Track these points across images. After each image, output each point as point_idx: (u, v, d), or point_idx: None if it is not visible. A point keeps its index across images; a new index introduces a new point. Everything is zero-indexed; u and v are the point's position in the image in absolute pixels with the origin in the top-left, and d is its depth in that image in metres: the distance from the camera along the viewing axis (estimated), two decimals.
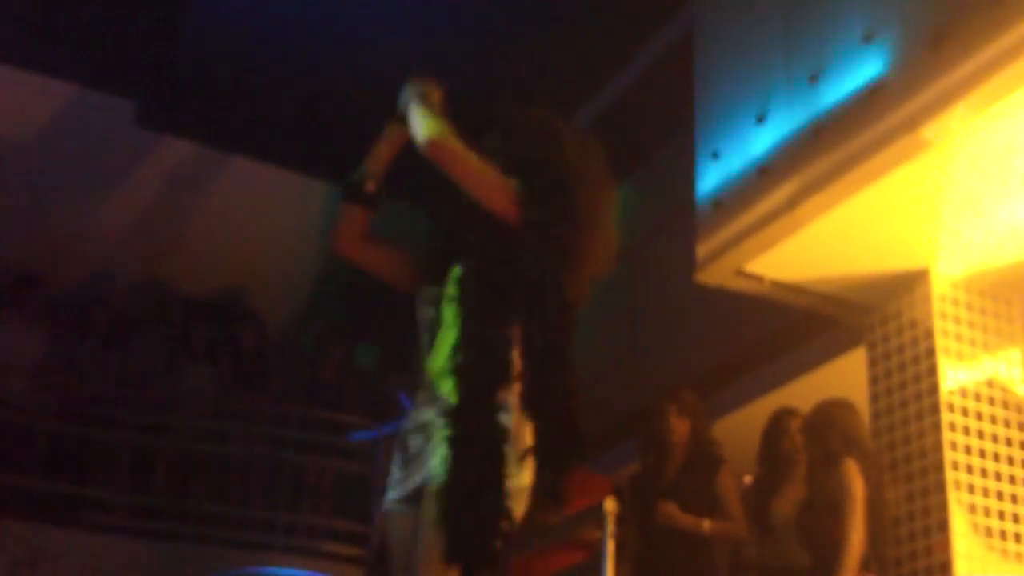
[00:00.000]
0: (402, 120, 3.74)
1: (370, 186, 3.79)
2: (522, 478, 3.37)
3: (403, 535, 3.51)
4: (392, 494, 3.56)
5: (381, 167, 3.83)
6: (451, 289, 3.58)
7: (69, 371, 10.47)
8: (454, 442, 3.30)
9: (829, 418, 6.60)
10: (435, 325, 3.61)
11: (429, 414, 3.50)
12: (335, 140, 10.31)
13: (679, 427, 7.01)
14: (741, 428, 7.30)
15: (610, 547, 6.01)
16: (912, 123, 5.91)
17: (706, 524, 6.75)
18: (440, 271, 3.70)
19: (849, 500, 6.32)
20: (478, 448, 3.30)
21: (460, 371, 3.39)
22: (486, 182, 3.52)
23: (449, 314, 3.55)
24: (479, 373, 3.36)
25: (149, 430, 10.32)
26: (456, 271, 3.59)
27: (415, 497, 3.45)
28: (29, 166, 11.26)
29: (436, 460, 3.37)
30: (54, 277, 11.27)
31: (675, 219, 8.93)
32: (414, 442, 3.51)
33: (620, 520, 7.27)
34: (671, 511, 6.78)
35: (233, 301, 12.40)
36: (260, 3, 9.54)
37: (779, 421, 7.11)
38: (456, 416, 3.34)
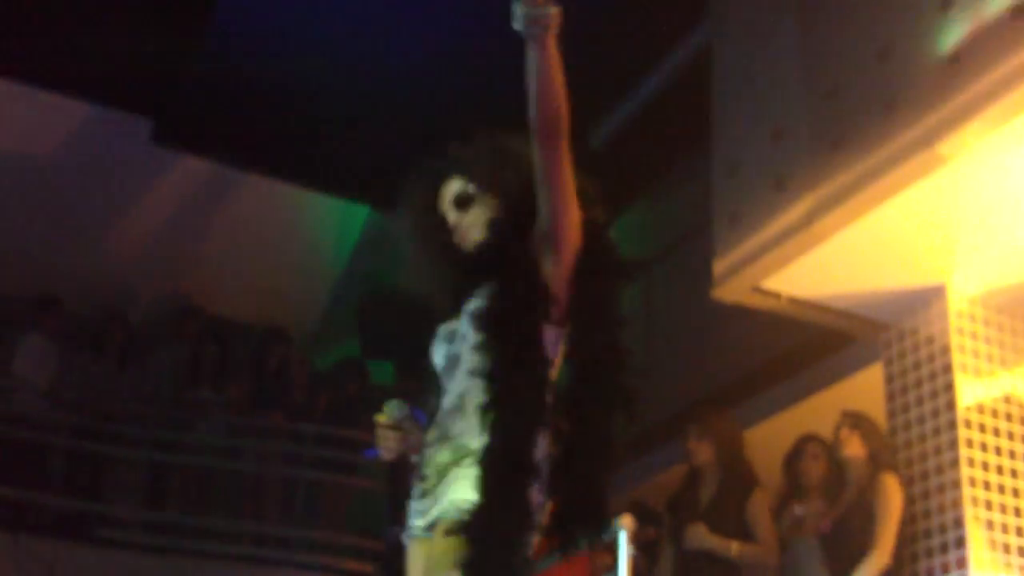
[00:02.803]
0: None
1: None
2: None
3: (417, 554, 3.49)
4: (414, 521, 3.51)
5: None
6: (463, 327, 3.54)
7: (85, 388, 10.49)
8: (484, 481, 3.25)
9: (875, 427, 6.65)
10: (450, 363, 3.57)
11: (443, 454, 3.43)
12: (351, 159, 10.38)
13: (700, 450, 7.02)
14: (757, 445, 7.28)
15: (629, 565, 6.02)
16: (929, 139, 5.91)
17: (735, 547, 6.73)
18: (455, 305, 3.65)
19: (887, 514, 6.36)
20: (508, 489, 3.23)
21: (491, 411, 3.33)
22: (571, 191, 3.40)
23: (464, 352, 3.50)
24: (512, 416, 3.30)
25: (164, 447, 10.33)
26: (470, 306, 3.55)
27: (429, 528, 3.43)
28: (46, 184, 11.30)
29: (453, 496, 3.33)
30: (71, 295, 11.28)
31: (690, 236, 8.94)
32: (430, 476, 3.46)
33: (652, 543, 7.32)
34: (700, 533, 6.77)
35: (255, 319, 12.42)
36: (277, 22, 9.55)
37: (803, 445, 7.08)
38: (488, 453, 3.27)
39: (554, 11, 3.19)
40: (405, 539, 3.54)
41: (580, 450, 3.38)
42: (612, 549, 6.07)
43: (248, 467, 10.46)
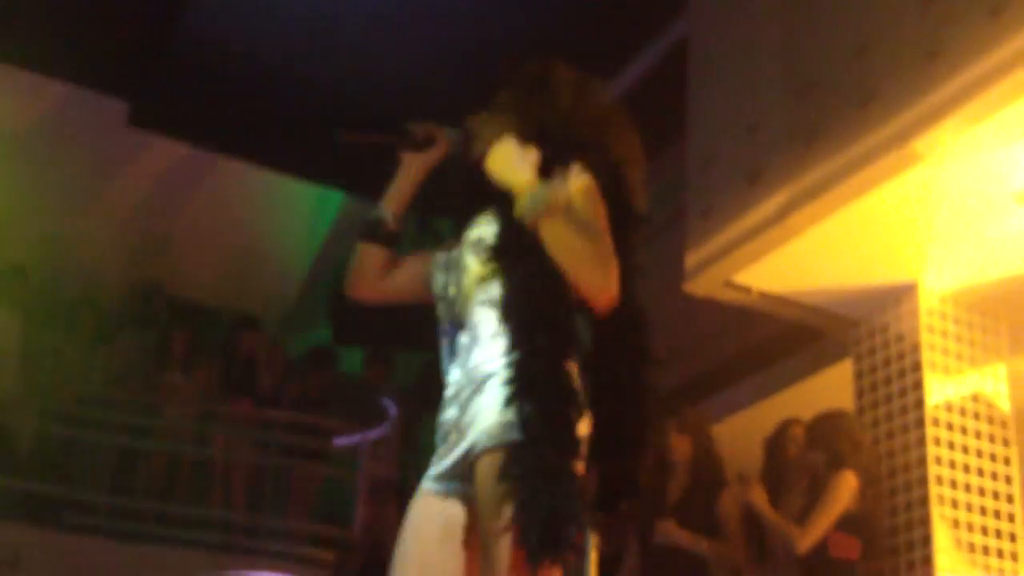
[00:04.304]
0: (422, 146, 3.54)
1: (392, 224, 3.56)
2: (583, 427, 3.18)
3: (432, 515, 3.33)
4: (430, 471, 3.36)
5: (404, 204, 3.58)
6: (466, 258, 3.41)
7: (54, 371, 10.43)
8: (522, 399, 3.09)
9: (836, 426, 6.60)
10: (453, 296, 3.43)
11: (464, 388, 3.30)
12: (328, 144, 10.33)
13: (680, 445, 6.98)
14: (726, 439, 7.28)
15: (593, 558, 5.99)
16: (904, 136, 5.92)
17: (704, 544, 6.71)
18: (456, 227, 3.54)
19: (823, 507, 6.33)
20: (551, 405, 3.08)
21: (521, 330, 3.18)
22: (589, 264, 3.19)
23: (469, 283, 3.38)
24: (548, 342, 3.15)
25: (132, 432, 10.28)
26: (472, 235, 3.43)
27: (457, 472, 3.28)
28: (21, 165, 11.23)
29: (483, 424, 3.17)
30: (43, 276, 11.22)
31: (663, 229, 8.93)
32: (449, 415, 3.33)
33: (617, 534, 7.30)
34: (669, 529, 6.76)
35: (226, 304, 12.38)
36: (255, 5, 9.52)
37: (785, 429, 7.06)
38: (518, 367, 3.13)
39: (556, 197, 3.19)
40: (419, 491, 3.38)
41: (613, 416, 3.30)
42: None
43: (217, 454, 10.42)
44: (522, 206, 3.20)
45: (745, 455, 7.20)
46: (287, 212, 12.34)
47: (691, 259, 7.23)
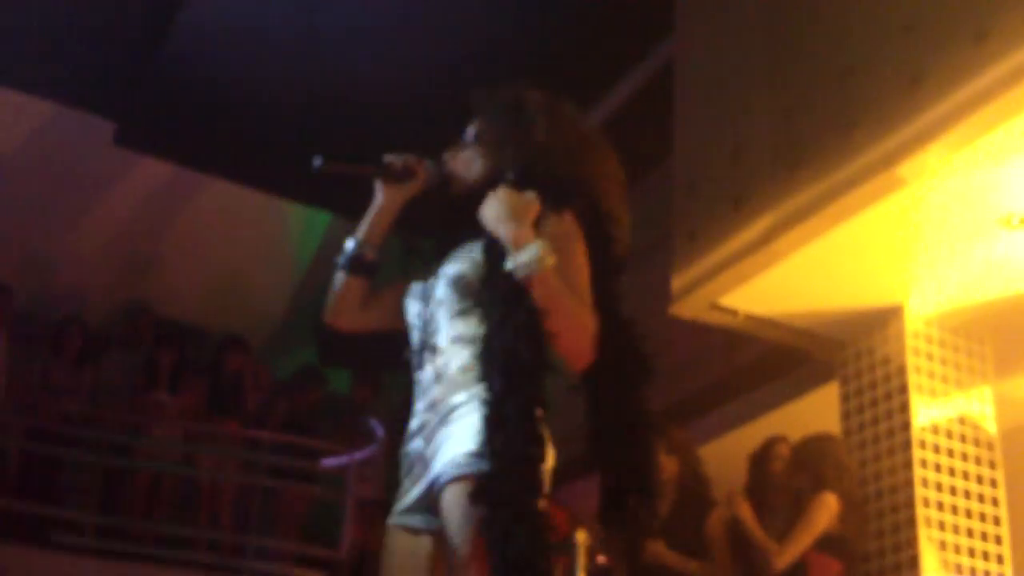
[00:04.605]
0: (400, 179, 3.53)
1: (369, 255, 3.57)
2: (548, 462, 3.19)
3: (405, 551, 3.36)
4: (397, 506, 3.39)
5: (381, 235, 3.59)
6: (440, 291, 3.40)
7: (40, 390, 10.42)
8: (488, 438, 3.09)
9: (822, 449, 6.61)
10: (427, 328, 3.42)
11: (427, 416, 3.32)
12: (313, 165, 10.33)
13: (667, 465, 6.96)
14: (712, 461, 7.27)
15: None
16: (889, 160, 5.93)
17: (692, 566, 6.70)
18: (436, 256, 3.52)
19: (802, 527, 6.34)
20: (515, 444, 3.08)
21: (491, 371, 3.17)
22: (573, 324, 3.20)
23: (442, 318, 3.37)
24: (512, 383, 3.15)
25: (119, 451, 10.27)
26: (448, 269, 3.41)
27: (424, 504, 3.30)
28: (5, 183, 11.21)
29: (448, 454, 3.18)
30: (28, 295, 11.21)
31: (648, 250, 8.93)
32: (414, 447, 3.36)
33: (604, 554, 7.28)
34: (658, 550, 6.75)
35: (212, 324, 12.36)
36: (240, 25, 9.53)
37: (770, 446, 7.06)
38: (492, 404, 3.13)
39: (544, 261, 3.16)
40: (389, 526, 3.40)
41: (615, 419, 3.32)
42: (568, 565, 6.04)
43: (203, 473, 10.41)
44: (516, 260, 3.18)
45: (731, 477, 7.19)
46: (273, 232, 12.34)
47: (677, 282, 7.23)
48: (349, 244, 3.58)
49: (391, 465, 10.36)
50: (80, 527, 9.82)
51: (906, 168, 5.90)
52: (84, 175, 11.49)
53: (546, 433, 3.18)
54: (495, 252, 3.28)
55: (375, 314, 3.63)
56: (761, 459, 7.06)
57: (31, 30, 9.91)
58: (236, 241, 12.30)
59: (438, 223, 3.61)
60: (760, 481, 7.01)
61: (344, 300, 3.60)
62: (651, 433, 3.39)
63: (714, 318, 7.34)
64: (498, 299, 3.23)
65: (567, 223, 3.33)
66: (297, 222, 12.18)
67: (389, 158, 3.56)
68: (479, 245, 3.36)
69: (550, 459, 3.19)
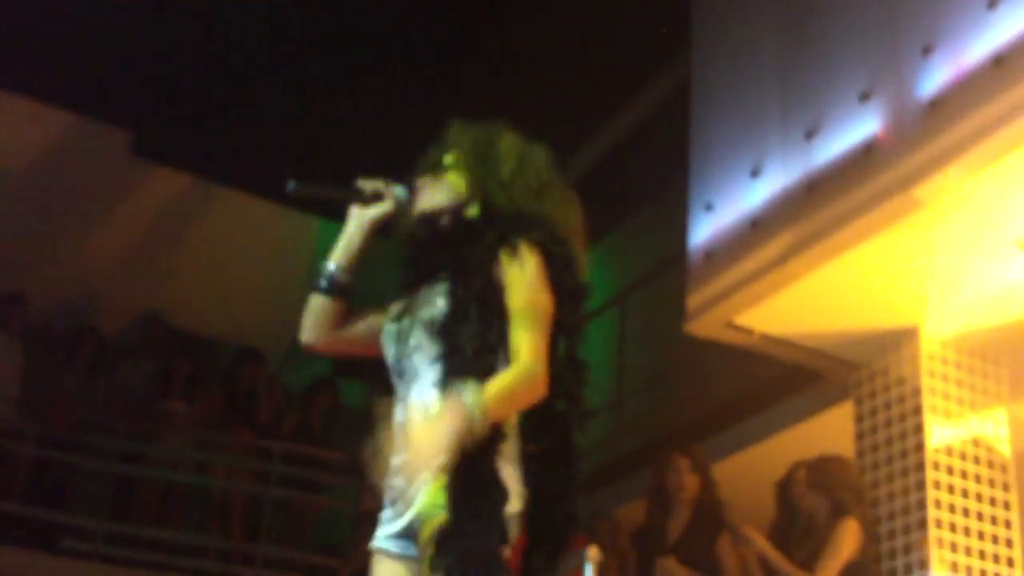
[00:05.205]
0: (371, 202, 3.61)
1: (341, 278, 3.64)
2: (513, 506, 3.29)
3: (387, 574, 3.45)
4: (381, 532, 3.48)
5: (354, 257, 3.65)
6: (417, 336, 3.47)
7: (54, 398, 10.45)
8: (451, 492, 3.23)
9: (838, 472, 6.59)
10: (405, 371, 3.51)
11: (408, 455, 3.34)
12: (329, 176, 10.37)
13: (690, 483, 6.98)
14: (725, 481, 7.27)
15: None
16: (906, 183, 5.95)
17: None
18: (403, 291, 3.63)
19: (830, 554, 6.32)
20: (477, 496, 3.23)
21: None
22: (527, 400, 3.34)
23: (420, 362, 3.46)
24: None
25: (131, 459, 10.30)
26: (423, 313, 3.50)
27: (407, 534, 3.39)
28: (23, 193, 11.25)
29: (425, 500, 3.29)
30: (44, 303, 11.23)
31: (664, 268, 8.95)
32: (397, 483, 3.42)
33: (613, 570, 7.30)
34: (670, 566, 6.75)
35: (226, 334, 12.38)
36: (257, 37, 9.57)
37: (793, 473, 7.03)
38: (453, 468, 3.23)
39: (476, 413, 3.22)
40: (375, 550, 3.49)
41: (545, 471, 3.41)
42: None
43: (215, 482, 10.43)
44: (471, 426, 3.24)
45: (744, 496, 7.20)
46: (288, 243, 12.35)
47: (693, 300, 7.25)
48: (329, 266, 3.65)
49: None
50: (90, 534, 9.83)
51: (923, 190, 5.92)
52: (100, 185, 11.52)
53: (511, 479, 3.30)
54: (460, 288, 3.41)
55: (348, 337, 3.70)
56: (785, 486, 7.04)
57: (48, 40, 9.95)
58: (251, 252, 12.32)
59: (406, 255, 3.69)
60: (786, 509, 6.99)
61: (318, 321, 3.67)
62: (577, 477, 3.48)
63: (729, 337, 7.35)
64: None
65: (527, 254, 3.43)
66: (312, 233, 12.19)
67: (360, 182, 3.64)
68: (443, 287, 3.47)
69: (515, 505, 3.28)
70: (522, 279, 3.39)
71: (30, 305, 10.69)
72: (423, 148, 3.72)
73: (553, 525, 3.42)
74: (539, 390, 3.32)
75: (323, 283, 3.64)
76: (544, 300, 3.41)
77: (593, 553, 6.02)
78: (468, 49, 9.41)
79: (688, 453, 7.07)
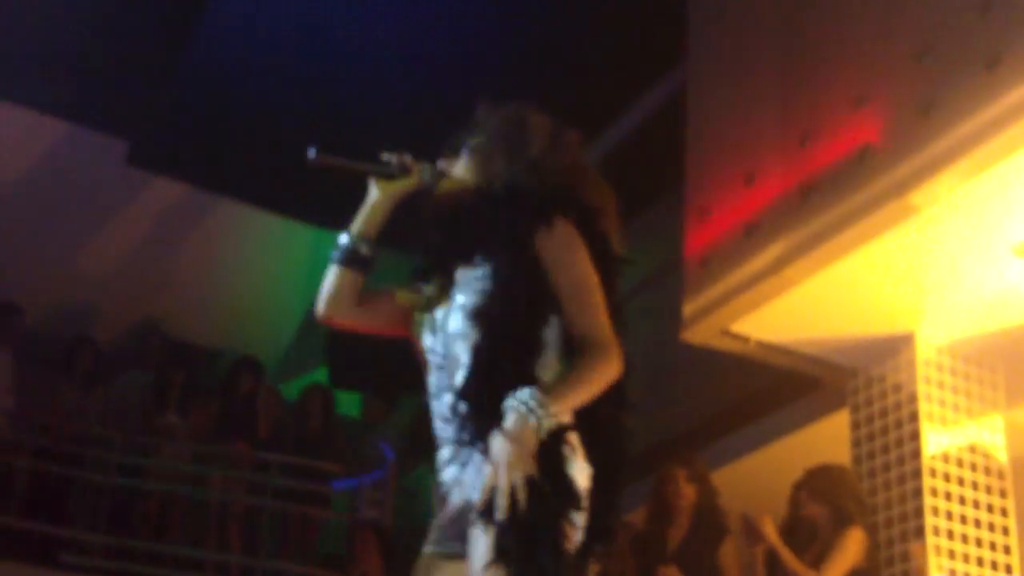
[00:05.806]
0: (393, 175, 3.50)
1: (363, 250, 3.51)
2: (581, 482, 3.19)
3: None
4: (432, 536, 3.34)
5: (375, 231, 3.53)
6: (457, 323, 3.33)
7: (51, 410, 10.42)
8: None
9: (838, 481, 6.58)
10: (445, 361, 3.36)
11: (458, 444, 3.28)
12: (325, 186, 10.35)
13: (688, 492, 6.97)
14: (722, 488, 7.25)
15: None
16: (901, 188, 5.94)
17: None
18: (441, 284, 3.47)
19: (836, 560, 6.31)
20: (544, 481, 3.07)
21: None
22: (603, 383, 3.29)
23: (461, 350, 3.30)
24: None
25: (128, 472, 10.26)
26: (459, 300, 3.36)
27: (457, 532, 3.23)
28: (19, 202, 11.24)
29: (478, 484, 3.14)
30: (39, 314, 11.22)
31: (660, 276, 8.92)
32: (450, 474, 3.31)
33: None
34: (671, 574, 6.74)
35: (223, 345, 12.37)
36: (254, 47, 9.56)
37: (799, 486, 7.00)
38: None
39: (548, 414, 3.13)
40: (422, 558, 3.35)
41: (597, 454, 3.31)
42: None
43: (213, 495, 10.39)
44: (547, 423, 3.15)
45: (741, 504, 7.18)
46: (285, 253, 12.34)
47: (688, 308, 7.24)
48: (343, 238, 3.54)
49: (401, 488, 10.38)
50: (88, 547, 9.80)
51: (918, 196, 5.92)
52: (96, 194, 11.50)
53: (574, 455, 3.19)
54: (506, 270, 3.30)
55: (369, 314, 3.58)
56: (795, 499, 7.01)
57: (45, 50, 9.95)
58: (247, 262, 12.31)
59: (426, 237, 3.56)
60: (791, 515, 6.96)
61: (338, 294, 3.53)
62: (624, 479, 3.40)
63: (725, 344, 7.34)
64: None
65: (563, 232, 3.34)
66: (308, 243, 12.18)
67: (385, 155, 3.56)
68: (483, 271, 3.35)
69: (583, 479, 3.19)
70: (567, 256, 3.31)
71: (25, 316, 10.67)
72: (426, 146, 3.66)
73: (603, 504, 3.29)
74: (617, 369, 3.28)
75: (343, 254, 3.51)
76: (593, 275, 3.35)
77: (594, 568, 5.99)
78: (461, 56, 9.40)
79: (685, 463, 7.05)
